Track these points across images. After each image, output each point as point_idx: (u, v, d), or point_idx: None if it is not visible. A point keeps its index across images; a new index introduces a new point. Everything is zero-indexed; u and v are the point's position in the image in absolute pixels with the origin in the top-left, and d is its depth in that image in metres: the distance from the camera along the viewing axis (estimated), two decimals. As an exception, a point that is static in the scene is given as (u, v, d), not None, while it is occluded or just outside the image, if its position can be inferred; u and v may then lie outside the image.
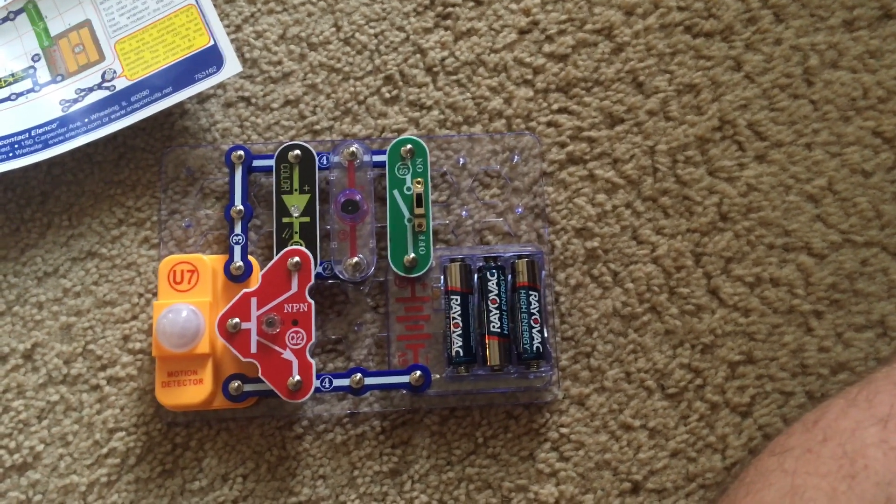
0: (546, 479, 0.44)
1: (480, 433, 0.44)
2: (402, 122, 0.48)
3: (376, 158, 0.45)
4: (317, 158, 0.44)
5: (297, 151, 0.44)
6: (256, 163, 0.45)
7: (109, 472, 0.43)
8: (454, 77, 0.48)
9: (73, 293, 0.45)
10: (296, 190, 0.44)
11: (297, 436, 0.44)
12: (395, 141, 0.45)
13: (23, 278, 0.45)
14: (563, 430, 0.44)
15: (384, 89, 0.48)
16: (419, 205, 0.44)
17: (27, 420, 0.44)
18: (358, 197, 0.44)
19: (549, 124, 0.48)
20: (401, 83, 0.48)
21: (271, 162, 0.44)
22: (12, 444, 0.43)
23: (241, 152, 0.44)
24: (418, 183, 0.44)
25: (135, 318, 0.45)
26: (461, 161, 0.47)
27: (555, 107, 0.48)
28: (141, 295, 0.45)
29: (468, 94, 0.48)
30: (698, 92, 0.48)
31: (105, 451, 0.43)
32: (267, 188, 0.46)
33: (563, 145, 0.47)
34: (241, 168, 0.44)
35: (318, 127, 0.47)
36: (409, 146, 0.45)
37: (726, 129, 0.48)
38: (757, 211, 0.47)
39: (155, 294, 0.45)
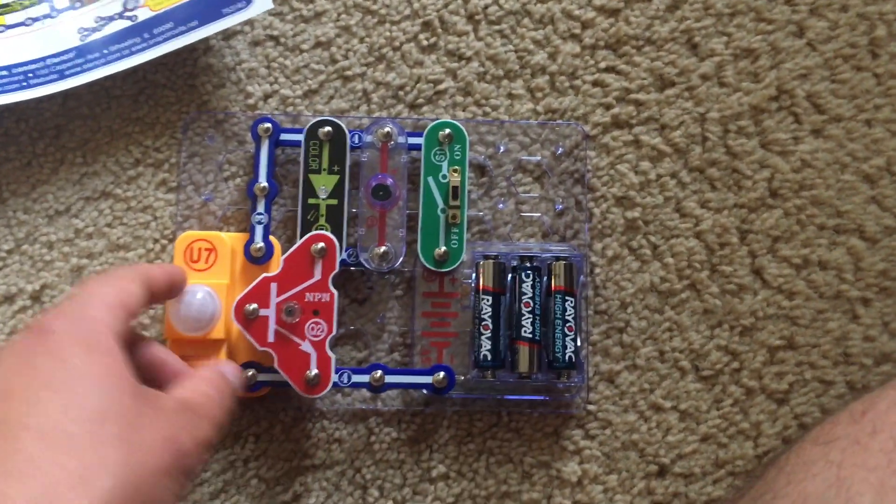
0: (570, 457, 0.42)
1: (503, 406, 0.42)
2: (440, 72, 0.45)
3: (412, 140, 0.42)
4: (349, 136, 0.42)
5: (328, 128, 0.41)
6: (284, 136, 0.42)
7: (117, 422, 0.42)
8: (497, 27, 0.45)
9: (85, 234, 0.43)
10: (324, 170, 0.41)
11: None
12: (432, 124, 0.42)
13: (33, 216, 0.43)
14: (591, 408, 0.42)
15: (422, 36, 0.45)
16: (454, 197, 0.41)
17: (34, 364, 0.42)
18: (390, 181, 0.41)
19: (594, 83, 0.45)
20: (440, 30, 0.45)
21: (300, 136, 0.42)
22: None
23: (268, 125, 0.41)
24: (455, 172, 0.41)
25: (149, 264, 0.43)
26: (501, 148, 0.44)
27: (602, 65, 0.45)
28: (156, 240, 0.43)
29: (511, 47, 0.45)
30: (756, 57, 0.45)
31: (114, 400, 0.42)
32: (291, 157, 0.43)
33: (608, 107, 0.45)
34: (267, 142, 0.42)
35: (349, 73, 0.45)
36: (447, 131, 0.42)
37: (783, 100, 0.45)
38: (809, 189, 0.44)
39: (171, 240, 0.43)
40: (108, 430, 0.27)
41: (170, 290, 0.36)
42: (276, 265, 0.40)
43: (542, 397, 0.42)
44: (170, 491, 0.28)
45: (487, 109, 0.44)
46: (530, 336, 0.40)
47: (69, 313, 0.30)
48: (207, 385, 0.33)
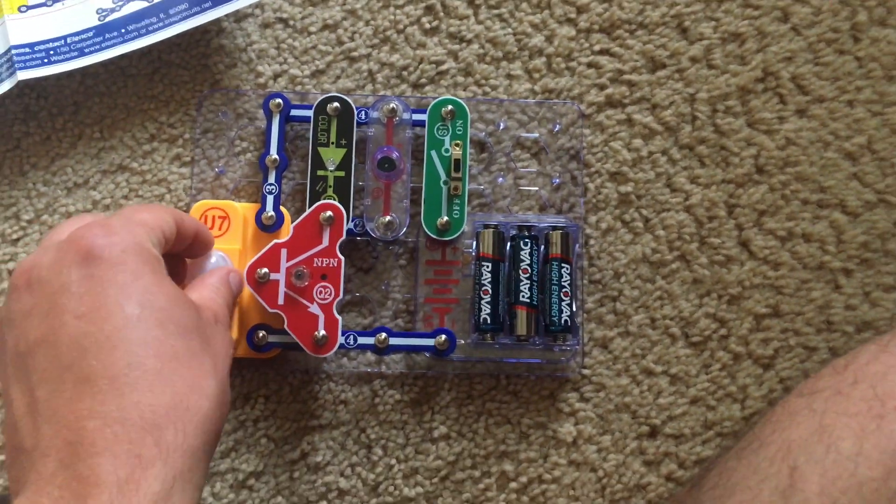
0: (565, 418, 0.44)
1: (502, 370, 0.44)
2: (442, 53, 0.47)
3: (416, 117, 0.44)
4: (356, 112, 0.44)
5: (336, 104, 0.43)
6: (294, 112, 0.44)
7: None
8: (496, 11, 0.47)
9: (102, 206, 0.45)
10: (332, 143, 0.43)
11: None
12: (435, 101, 0.44)
13: (52, 188, 0.45)
14: (585, 372, 0.44)
15: (424, 19, 0.47)
16: (456, 169, 0.43)
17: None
18: (395, 155, 0.43)
19: (589, 65, 0.47)
20: (442, 14, 0.47)
21: (309, 112, 0.44)
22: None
23: (279, 100, 0.44)
24: (457, 145, 0.43)
25: (163, 234, 0.45)
26: (501, 125, 0.46)
27: (596, 48, 0.47)
28: (170, 211, 0.45)
29: (509, 30, 0.47)
30: (743, 41, 0.47)
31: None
32: (300, 133, 0.45)
33: (602, 87, 0.47)
34: (278, 117, 0.44)
35: (355, 54, 0.47)
36: (450, 107, 0.44)
37: (769, 81, 0.47)
38: (794, 165, 0.46)
39: (185, 211, 0.45)
40: (195, 341, 0.31)
41: (195, 246, 0.38)
42: (286, 233, 0.42)
43: (538, 361, 0.44)
44: (230, 384, 0.33)
45: (487, 89, 0.47)
46: (528, 301, 0.42)
47: (118, 231, 0.31)
48: (216, 294, 0.36)
